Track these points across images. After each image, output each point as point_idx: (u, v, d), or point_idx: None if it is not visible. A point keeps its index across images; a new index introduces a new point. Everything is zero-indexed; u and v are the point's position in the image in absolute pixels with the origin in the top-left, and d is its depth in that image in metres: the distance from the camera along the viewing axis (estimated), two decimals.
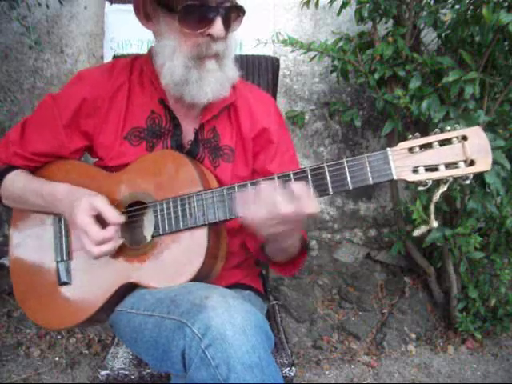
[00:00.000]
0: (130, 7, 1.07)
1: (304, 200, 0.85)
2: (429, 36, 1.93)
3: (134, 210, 1.08)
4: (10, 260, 1.19)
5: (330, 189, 0.91)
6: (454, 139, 0.86)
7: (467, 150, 0.84)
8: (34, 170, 1.19)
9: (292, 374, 1.12)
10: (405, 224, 2.14)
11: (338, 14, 1.87)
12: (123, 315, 1.06)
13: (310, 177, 0.91)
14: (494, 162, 1.45)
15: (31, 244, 1.17)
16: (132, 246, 1.06)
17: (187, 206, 1.01)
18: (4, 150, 1.17)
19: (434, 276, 2.16)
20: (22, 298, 1.16)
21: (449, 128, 0.87)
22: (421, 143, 0.87)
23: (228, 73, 1.06)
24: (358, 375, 1.93)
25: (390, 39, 1.74)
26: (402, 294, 2.29)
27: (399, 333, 2.12)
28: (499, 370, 1.97)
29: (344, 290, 2.31)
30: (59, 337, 2.03)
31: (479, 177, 1.58)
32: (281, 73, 1.57)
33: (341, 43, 1.87)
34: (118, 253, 1.04)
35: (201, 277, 1.01)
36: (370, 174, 0.88)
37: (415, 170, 0.87)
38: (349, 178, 0.89)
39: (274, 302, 1.43)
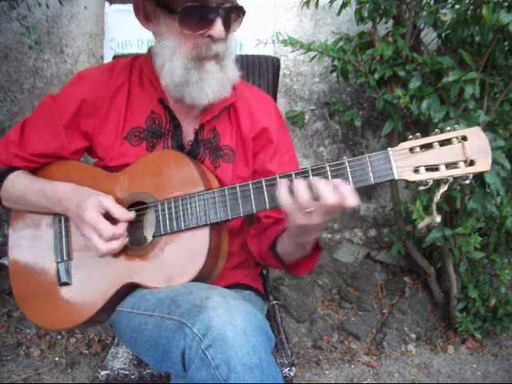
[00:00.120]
0: (129, 7, 1.07)
1: (347, 193, 0.85)
2: (429, 36, 1.93)
3: (135, 210, 1.08)
4: (9, 261, 1.18)
5: None
6: (454, 139, 0.86)
7: (467, 150, 0.85)
8: (34, 171, 1.18)
9: (292, 374, 1.12)
10: (405, 224, 2.14)
11: (338, 14, 1.87)
12: (123, 315, 1.06)
13: (311, 177, 0.91)
14: (494, 162, 1.45)
15: (31, 245, 1.16)
16: (133, 246, 1.06)
17: (189, 206, 1.01)
18: (4, 150, 1.17)
19: (434, 276, 2.16)
20: (22, 298, 1.15)
21: (449, 128, 0.87)
22: (421, 143, 0.87)
23: (229, 73, 1.06)
24: (358, 375, 1.93)
25: (390, 39, 1.74)
26: (402, 294, 2.29)
27: (399, 333, 2.12)
28: (499, 370, 1.98)
29: (344, 289, 2.31)
30: (59, 337, 2.03)
31: (479, 177, 1.58)
32: (281, 73, 1.57)
33: (341, 43, 1.88)
34: (119, 253, 1.04)
35: (202, 277, 1.00)
36: (371, 174, 0.88)
37: (416, 170, 0.87)
38: (350, 178, 0.89)
39: (274, 301, 1.43)
